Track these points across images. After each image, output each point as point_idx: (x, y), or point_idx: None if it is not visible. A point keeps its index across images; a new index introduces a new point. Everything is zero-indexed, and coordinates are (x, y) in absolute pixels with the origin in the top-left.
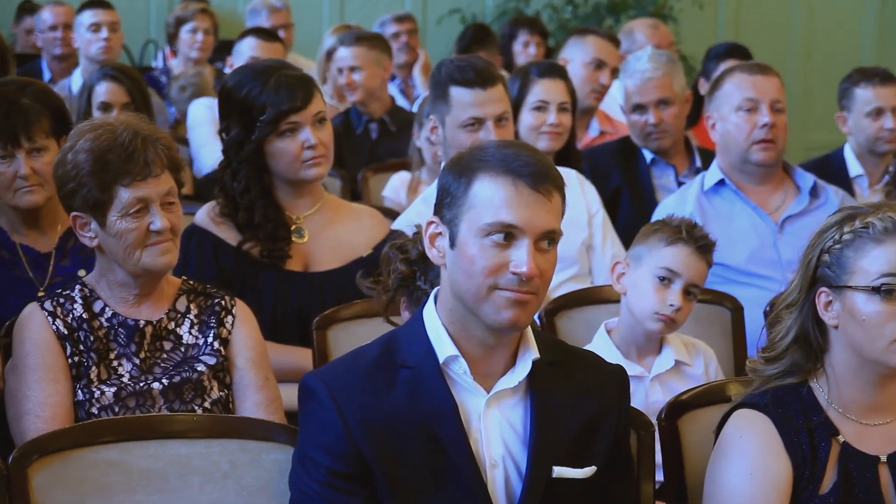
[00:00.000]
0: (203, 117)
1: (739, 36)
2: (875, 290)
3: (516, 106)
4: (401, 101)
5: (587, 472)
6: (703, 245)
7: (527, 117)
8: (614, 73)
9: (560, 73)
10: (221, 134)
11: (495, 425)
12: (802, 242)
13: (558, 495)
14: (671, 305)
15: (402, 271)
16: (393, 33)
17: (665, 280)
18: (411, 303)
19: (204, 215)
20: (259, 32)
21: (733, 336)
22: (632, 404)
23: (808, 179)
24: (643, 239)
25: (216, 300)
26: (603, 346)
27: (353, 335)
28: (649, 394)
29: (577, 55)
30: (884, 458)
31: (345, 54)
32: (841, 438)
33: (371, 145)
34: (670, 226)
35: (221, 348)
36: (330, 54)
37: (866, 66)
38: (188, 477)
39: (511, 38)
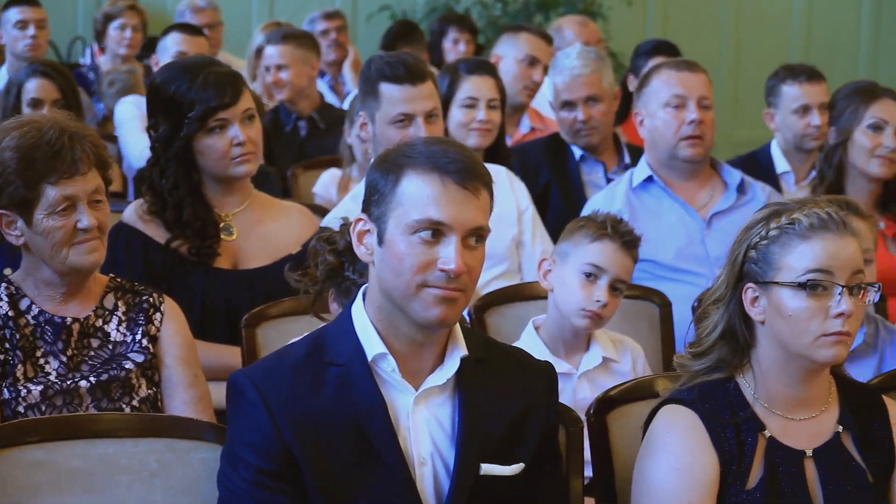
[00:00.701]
0: (129, 114)
1: (668, 33)
2: (801, 285)
3: (446, 102)
4: (330, 98)
5: (515, 469)
6: (628, 240)
7: (456, 114)
8: (546, 70)
9: (489, 69)
10: (149, 131)
11: (423, 423)
12: (730, 238)
13: (487, 492)
14: (597, 301)
15: (331, 262)
16: (322, 30)
17: (591, 276)
18: (340, 294)
19: (132, 213)
20: (183, 27)
21: (661, 332)
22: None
23: (735, 176)
24: (569, 235)
25: (144, 297)
26: (531, 344)
27: (281, 333)
28: (577, 391)
29: (509, 52)
30: (809, 453)
31: (272, 52)
32: (767, 433)
33: (300, 142)
34: (595, 222)
35: (150, 346)
36: (259, 52)
37: (793, 63)
38: (116, 476)
39: (441, 35)
